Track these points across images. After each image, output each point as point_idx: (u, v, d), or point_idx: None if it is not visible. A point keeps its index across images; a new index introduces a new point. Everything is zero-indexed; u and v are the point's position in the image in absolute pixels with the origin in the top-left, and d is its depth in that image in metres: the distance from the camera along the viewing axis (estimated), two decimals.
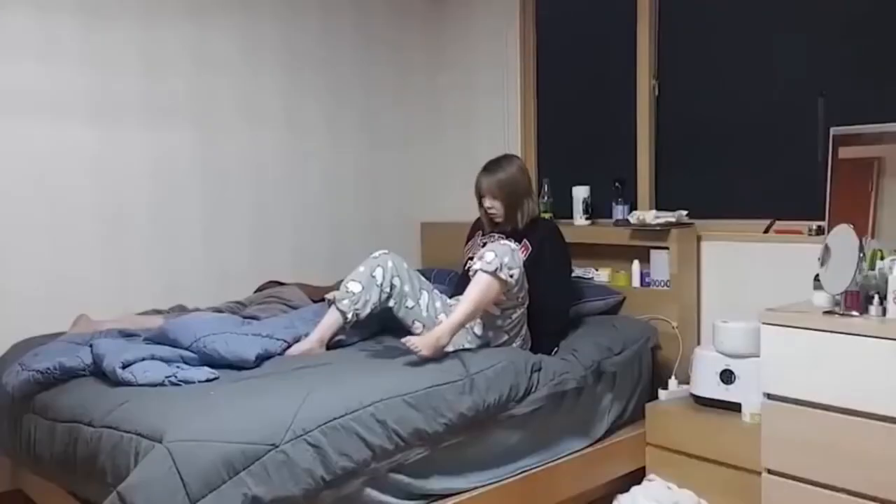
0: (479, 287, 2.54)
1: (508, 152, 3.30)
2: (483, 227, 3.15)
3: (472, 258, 2.85)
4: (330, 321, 2.73)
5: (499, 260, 2.53)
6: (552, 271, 2.94)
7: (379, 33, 4.11)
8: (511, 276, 2.56)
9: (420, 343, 2.46)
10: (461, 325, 2.55)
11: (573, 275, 3.56)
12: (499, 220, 3.05)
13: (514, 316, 2.70)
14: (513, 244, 2.66)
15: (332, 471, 2.08)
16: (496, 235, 3.03)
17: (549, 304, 2.88)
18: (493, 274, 2.53)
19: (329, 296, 2.75)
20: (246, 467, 1.94)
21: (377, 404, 2.21)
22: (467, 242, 3.20)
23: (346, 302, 2.71)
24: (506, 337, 2.75)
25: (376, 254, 2.82)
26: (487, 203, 3.04)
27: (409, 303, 2.84)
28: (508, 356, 2.64)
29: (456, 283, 3.09)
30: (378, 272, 2.76)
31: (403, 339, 2.48)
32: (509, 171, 3.03)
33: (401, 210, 4.21)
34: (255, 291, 3.47)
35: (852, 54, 2.94)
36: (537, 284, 2.81)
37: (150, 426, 2.00)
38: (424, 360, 2.46)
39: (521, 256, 2.65)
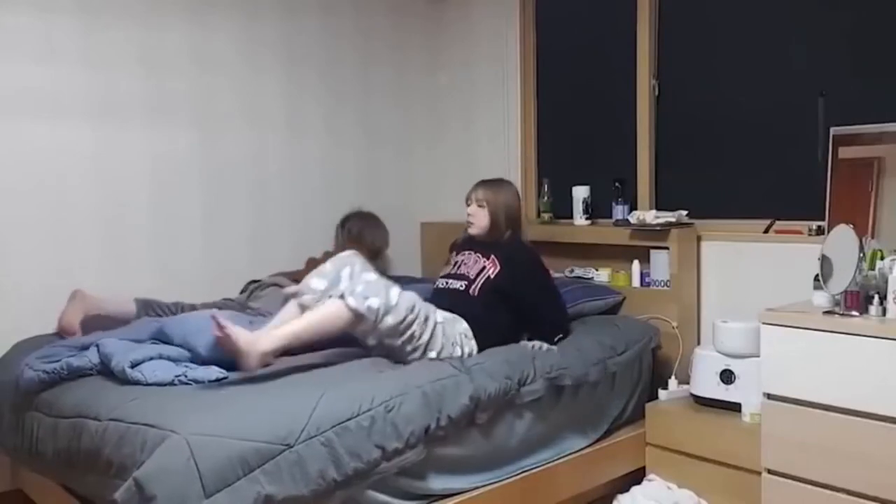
0: (322, 313, 2.43)
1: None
2: (457, 246, 3.16)
3: (447, 276, 2.99)
4: (287, 316, 2.55)
5: (361, 297, 2.41)
6: (537, 290, 2.92)
7: (379, 33, 4.11)
8: (368, 307, 2.41)
9: (241, 334, 2.26)
10: (286, 340, 2.36)
11: (573, 275, 3.60)
12: (475, 230, 3.04)
13: (416, 332, 2.55)
14: (373, 275, 2.52)
15: (344, 472, 2.09)
16: (466, 252, 3.03)
17: (543, 319, 2.90)
18: (346, 306, 2.41)
19: (288, 290, 2.62)
20: (260, 465, 1.96)
21: (387, 402, 2.23)
22: (447, 262, 3.18)
23: (307, 297, 2.57)
24: (425, 353, 2.60)
25: (344, 254, 2.71)
26: (472, 209, 3.04)
27: None
28: (503, 353, 2.66)
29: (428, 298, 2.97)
30: (346, 271, 2.62)
31: (213, 314, 2.28)
32: (507, 190, 3.08)
33: (401, 210, 4.21)
34: (241, 293, 3.46)
35: (852, 54, 2.95)
36: (520, 300, 2.85)
37: (160, 419, 2.00)
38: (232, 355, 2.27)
39: (391, 288, 2.51)
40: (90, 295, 3.04)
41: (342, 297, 2.46)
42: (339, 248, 3.71)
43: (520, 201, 3.12)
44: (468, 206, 3.08)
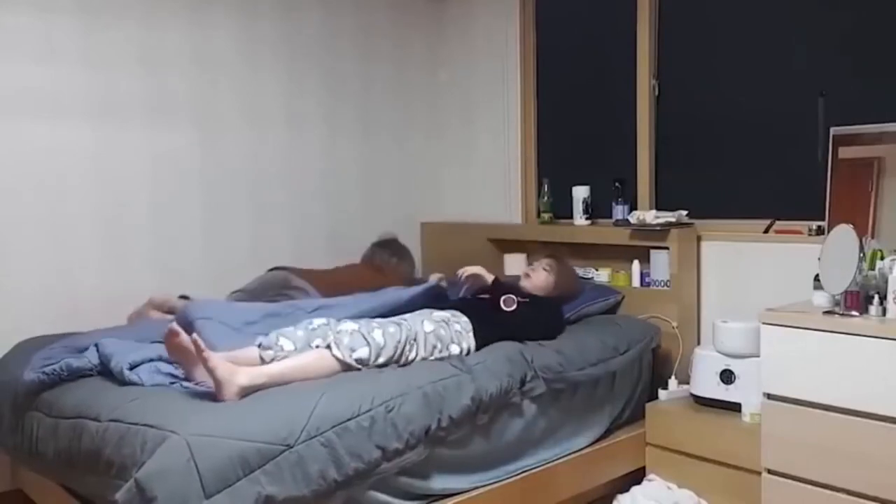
0: (310, 357, 2.41)
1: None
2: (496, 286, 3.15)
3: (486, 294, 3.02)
4: (248, 357, 2.47)
5: (348, 349, 2.42)
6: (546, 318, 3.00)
7: (379, 31, 4.11)
8: (357, 359, 2.42)
9: (221, 365, 2.19)
10: (268, 378, 2.26)
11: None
12: (526, 282, 3.19)
13: (409, 356, 2.56)
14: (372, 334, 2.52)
15: (344, 472, 2.09)
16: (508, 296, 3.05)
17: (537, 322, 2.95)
18: (333, 357, 2.41)
19: (258, 341, 2.55)
20: (261, 466, 1.96)
21: (387, 403, 2.23)
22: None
23: (270, 352, 2.48)
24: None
25: (315, 324, 2.60)
26: (535, 267, 3.24)
27: None
28: (503, 349, 2.67)
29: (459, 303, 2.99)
30: (317, 342, 2.51)
31: (195, 338, 2.21)
32: (576, 277, 3.38)
33: (401, 210, 4.21)
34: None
35: (852, 54, 2.95)
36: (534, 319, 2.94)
37: (160, 419, 2.00)
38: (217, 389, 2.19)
39: (373, 331, 2.51)
40: (167, 298, 3.12)
41: (328, 346, 2.43)
42: (373, 268, 3.74)
43: (580, 293, 3.30)
44: (530, 264, 3.35)
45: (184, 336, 2.28)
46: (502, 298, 2.91)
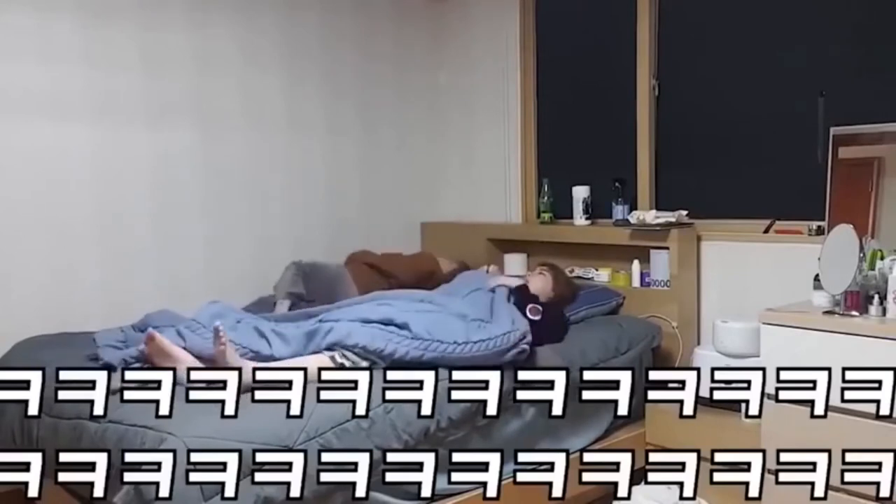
0: (309, 360, 2.44)
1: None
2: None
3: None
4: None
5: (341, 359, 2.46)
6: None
7: (379, 32, 4.11)
8: (353, 364, 2.46)
9: (232, 358, 2.28)
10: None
11: (574, 275, 3.60)
12: (533, 287, 3.21)
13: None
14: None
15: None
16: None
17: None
18: (332, 360, 2.45)
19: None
20: (260, 467, 1.95)
21: (386, 403, 2.23)
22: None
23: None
24: None
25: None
26: (539, 272, 3.33)
27: None
28: None
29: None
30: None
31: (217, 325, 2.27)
32: (571, 282, 3.43)
33: (401, 210, 4.21)
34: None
35: (852, 54, 2.94)
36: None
37: (159, 420, 1.99)
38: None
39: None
40: None
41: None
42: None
43: (577, 296, 3.33)
44: (528, 269, 3.50)
45: (159, 338, 2.30)
46: (528, 307, 2.90)
